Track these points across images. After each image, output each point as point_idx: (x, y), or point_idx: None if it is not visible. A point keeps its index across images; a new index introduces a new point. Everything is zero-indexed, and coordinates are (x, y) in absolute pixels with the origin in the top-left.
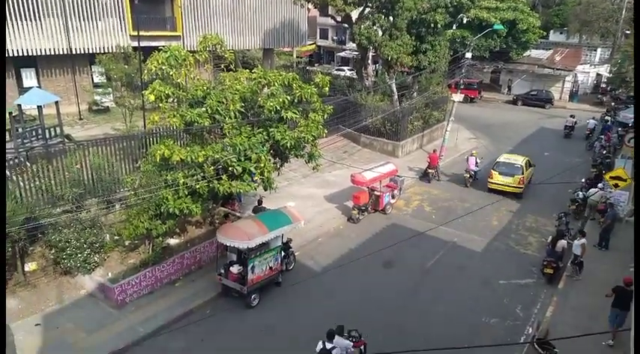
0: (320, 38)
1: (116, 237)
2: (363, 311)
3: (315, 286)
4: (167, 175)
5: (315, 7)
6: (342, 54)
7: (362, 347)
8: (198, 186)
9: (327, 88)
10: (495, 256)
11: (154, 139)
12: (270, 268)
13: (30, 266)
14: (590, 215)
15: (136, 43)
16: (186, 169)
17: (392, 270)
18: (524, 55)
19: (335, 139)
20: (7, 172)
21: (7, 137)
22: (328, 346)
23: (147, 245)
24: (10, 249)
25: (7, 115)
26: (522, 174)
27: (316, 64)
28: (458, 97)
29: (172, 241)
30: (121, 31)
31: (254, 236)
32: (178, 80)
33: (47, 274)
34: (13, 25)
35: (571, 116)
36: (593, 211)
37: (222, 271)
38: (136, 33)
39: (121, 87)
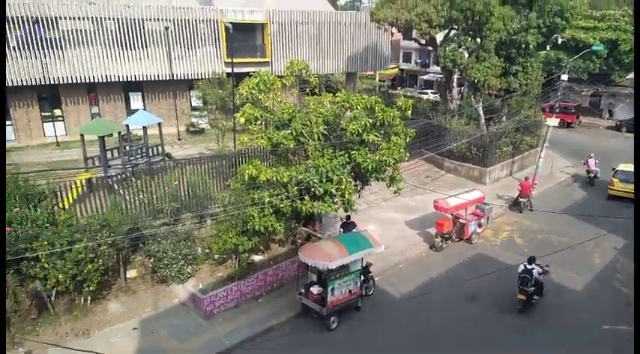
0: (403, 61)
1: (207, 250)
2: (442, 342)
3: (394, 312)
4: (254, 194)
5: (399, 31)
6: (425, 77)
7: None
8: (282, 205)
9: (409, 112)
10: (598, 298)
11: (243, 159)
12: (350, 291)
13: (131, 273)
14: None
15: (229, 70)
16: (272, 189)
17: (476, 304)
18: (628, 77)
19: (417, 163)
20: (115, 186)
21: (116, 154)
22: (529, 267)
23: (234, 260)
24: (114, 256)
25: (117, 135)
26: None
27: (399, 88)
28: (553, 121)
29: (257, 258)
30: (217, 58)
31: (334, 258)
32: (266, 104)
33: (145, 282)
34: (123, 53)
35: None
36: None
37: (303, 290)
38: (230, 60)
39: (215, 110)
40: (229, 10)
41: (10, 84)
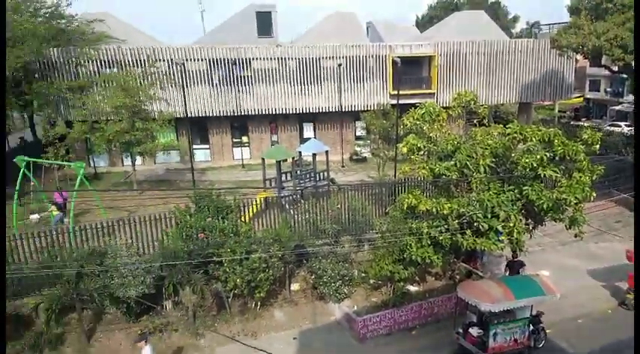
0: (589, 90)
1: (363, 274)
2: None
3: None
4: (412, 223)
5: (585, 58)
6: (617, 108)
7: None
8: (441, 237)
9: (597, 146)
10: None
11: (403, 188)
12: (516, 340)
13: (294, 286)
14: None
15: (394, 101)
16: (431, 220)
17: None
18: None
19: (605, 205)
20: (286, 205)
21: (289, 177)
22: None
23: (388, 287)
24: (282, 269)
25: (290, 160)
26: None
27: (583, 119)
28: None
29: (412, 288)
30: (383, 90)
31: (498, 300)
32: (430, 134)
33: (306, 296)
34: (301, 88)
35: None
36: None
37: (461, 330)
38: (395, 92)
39: (378, 139)
40: (398, 46)
41: (211, 114)
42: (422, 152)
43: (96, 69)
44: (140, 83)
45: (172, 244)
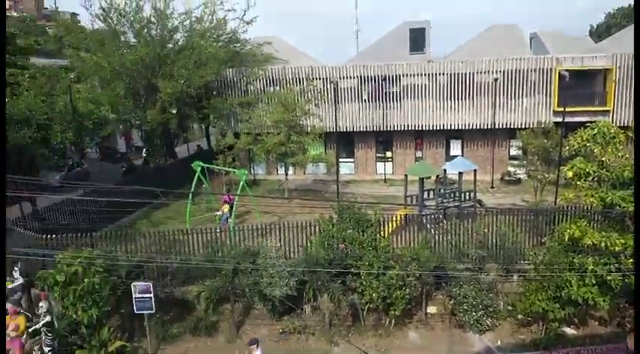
0: None
1: (510, 307)
2: None
3: None
4: (574, 258)
5: None
6: None
7: None
8: (609, 277)
9: None
10: None
11: (564, 216)
12: None
13: (431, 309)
14: None
15: (558, 119)
16: (598, 256)
17: None
18: None
19: None
20: (427, 224)
21: (431, 195)
22: None
23: (540, 326)
24: (419, 289)
25: (434, 177)
26: None
27: None
28: None
29: (569, 331)
30: (545, 107)
31: None
32: (602, 158)
33: (443, 321)
34: (450, 104)
35: None
36: None
37: None
38: (560, 109)
39: (537, 161)
40: (567, 58)
41: (358, 129)
42: (591, 178)
43: (262, 87)
44: (297, 100)
45: (315, 251)
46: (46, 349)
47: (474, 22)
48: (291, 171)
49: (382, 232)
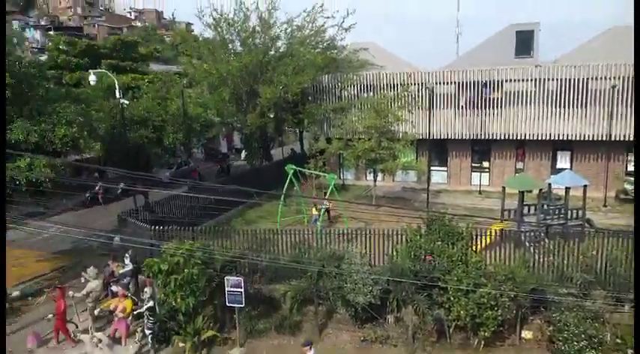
0: None
1: (618, 340)
2: None
3: None
4: None
5: None
6: None
7: None
8: None
9: None
10: None
11: None
12: None
13: (526, 334)
14: None
15: None
16: None
17: None
18: None
19: None
20: (526, 242)
21: (532, 211)
22: None
23: None
24: (514, 311)
25: (536, 191)
26: None
27: None
28: None
29: None
30: None
31: None
32: None
33: (540, 348)
34: (559, 112)
35: None
36: None
37: None
38: None
39: None
40: None
41: (452, 137)
42: None
43: (356, 93)
44: (390, 106)
45: (400, 261)
46: (147, 332)
47: (590, 24)
48: (380, 177)
49: (474, 247)
